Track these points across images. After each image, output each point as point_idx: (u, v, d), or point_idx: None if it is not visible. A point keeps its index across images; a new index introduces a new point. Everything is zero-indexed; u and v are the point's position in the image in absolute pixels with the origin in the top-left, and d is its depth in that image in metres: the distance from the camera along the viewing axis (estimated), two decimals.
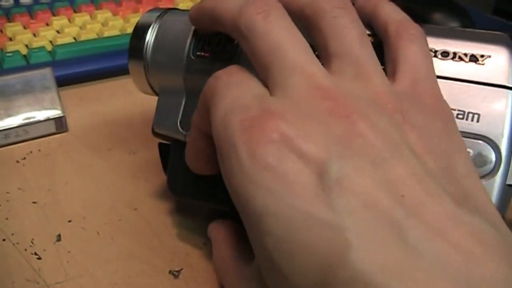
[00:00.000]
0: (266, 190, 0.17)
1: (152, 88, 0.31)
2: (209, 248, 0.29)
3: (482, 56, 0.23)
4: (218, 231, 0.26)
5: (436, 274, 0.15)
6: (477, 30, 0.25)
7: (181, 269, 0.28)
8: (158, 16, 0.30)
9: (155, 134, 0.30)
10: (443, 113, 0.21)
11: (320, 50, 0.22)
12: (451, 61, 0.23)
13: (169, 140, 0.30)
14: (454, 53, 0.23)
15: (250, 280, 0.22)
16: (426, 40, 0.23)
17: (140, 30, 0.30)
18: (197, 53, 0.27)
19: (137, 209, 0.32)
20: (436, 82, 0.22)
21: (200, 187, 0.27)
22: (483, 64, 0.23)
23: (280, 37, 0.20)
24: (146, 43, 0.29)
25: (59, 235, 0.30)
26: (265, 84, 0.20)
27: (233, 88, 0.20)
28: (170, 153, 0.29)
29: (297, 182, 0.17)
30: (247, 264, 0.22)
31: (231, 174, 0.18)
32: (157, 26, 0.29)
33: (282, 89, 0.19)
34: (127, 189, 0.34)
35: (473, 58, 0.23)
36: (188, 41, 0.28)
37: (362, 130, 0.18)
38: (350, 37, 0.21)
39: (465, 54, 0.23)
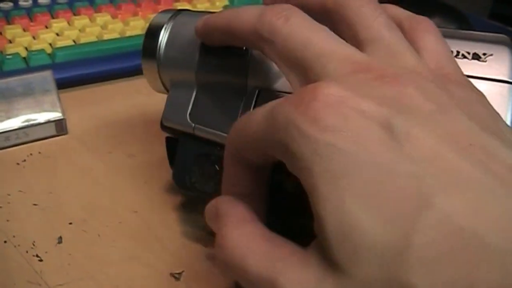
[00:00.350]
0: (341, 150, 0.17)
1: (164, 85, 0.32)
2: (210, 251, 0.29)
3: (484, 54, 0.24)
4: (241, 211, 0.21)
5: None
6: (479, 32, 0.26)
7: (182, 271, 0.28)
8: (171, 17, 0.31)
9: (163, 127, 0.30)
10: (477, 90, 0.22)
11: (349, 40, 0.22)
12: (455, 58, 0.24)
13: (176, 134, 0.30)
14: (458, 52, 0.25)
15: (310, 264, 0.18)
16: (439, 30, 0.23)
17: (153, 30, 0.31)
18: (210, 49, 0.28)
19: (137, 211, 0.32)
20: (458, 65, 0.22)
21: (206, 180, 0.28)
22: (485, 61, 0.24)
23: (307, 32, 0.21)
24: (159, 42, 0.30)
25: (60, 238, 0.30)
26: (302, 83, 0.21)
27: (258, 110, 0.21)
28: (177, 146, 0.30)
29: (368, 138, 0.17)
30: (295, 252, 0.19)
31: (298, 150, 0.18)
32: (171, 25, 0.30)
33: (324, 75, 0.20)
34: (127, 192, 0.34)
35: (476, 56, 0.25)
36: None
37: (411, 93, 0.18)
38: (378, 23, 0.21)
39: (468, 52, 0.25)
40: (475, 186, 0.16)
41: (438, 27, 0.55)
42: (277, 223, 0.22)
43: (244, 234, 0.20)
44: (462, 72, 0.22)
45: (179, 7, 0.55)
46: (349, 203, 0.17)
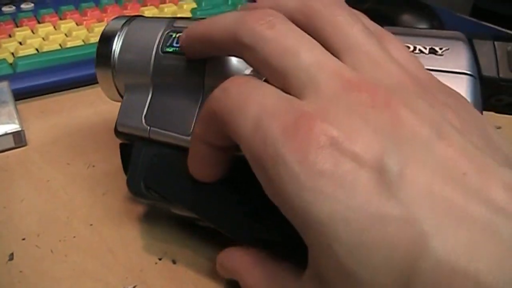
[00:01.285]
0: (329, 197, 0.17)
1: (119, 93, 0.31)
2: (163, 264, 0.28)
3: (441, 48, 0.25)
4: (242, 259, 0.24)
5: None
6: (436, 30, 0.27)
7: (135, 286, 0.27)
8: (125, 23, 0.30)
9: (118, 133, 0.30)
10: (455, 93, 0.21)
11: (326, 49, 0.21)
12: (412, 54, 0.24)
13: (131, 140, 0.29)
14: (415, 47, 0.25)
15: None
16: (402, 43, 0.23)
17: (107, 37, 0.30)
18: (166, 50, 0.27)
19: (93, 224, 0.31)
20: (429, 72, 0.22)
21: (160, 186, 0.27)
22: (442, 55, 0.25)
23: (291, 40, 0.20)
24: (113, 48, 0.30)
25: (12, 254, 0.29)
26: (284, 90, 0.20)
27: (253, 96, 0.20)
28: (131, 152, 0.29)
29: (358, 184, 0.17)
30: (296, 279, 0.21)
31: (281, 186, 0.18)
32: (125, 31, 0.30)
33: (309, 89, 0.19)
34: (84, 204, 0.33)
35: (433, 51, 0.25)
36: (157, 39, 0.28)
37: (404, 117, 0.18)
38: (355, 30, 0.21)
39: (425, 47, 0.25)
40: (469, 221, 0.16)
41: (408, 25, 0.55)
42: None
43: (257, 281, 0.22)
44: (436, 78, 0.22)
45: (146, 12, 0.55)
46: (337, 252, 0.16)
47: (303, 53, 0.19)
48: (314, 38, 0.21)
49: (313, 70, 0.19)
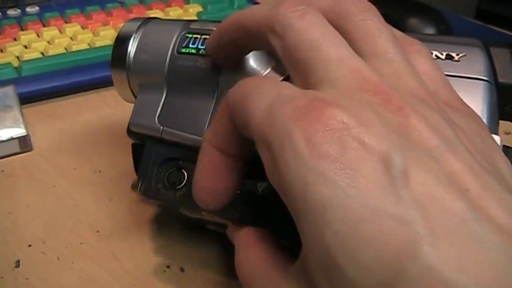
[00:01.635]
0: (329, 180, 0.16)
1: (133, 93, 0.31)
2: (171, 272, 0.28)
3: (457, 54, 0.25)
4: (246, 236, 0.24)
5: (510, 270, 0.15)
6: (452, 37, 0.27)
7: None
8: (141, 25, 0.30)
9: (130, 133, 0.29)
10: (474, 115, 0.21)
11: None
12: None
13: (144, 140, 0.29)
14: (431, 53, 0.25)
15: (291, 285, 0.20)
16: (430, 53, 0.23)
17: (122, 38, 0.30)
18: (182, 51, 0.28)
19: (99, 231, 0.31)
20: (453, 89, 0.22)
21: (172, 187, 0.27)
22: (458, 61, 0.25)
23: (319, 33, 0.20)
24: (128, 50, 0.30)
25: (18, 261, 0.29)
26: (303, 84, 0.20)
27: (270, 87, 0.19)
28: (143, 152, 0.28)
29: (362, 172, 0.16)
30: (285, 269, 0.20)
31: (284, 165, 0.17)
32: (140, 33, 0.30)
33: (328, 82, 0.19)
34: (90, 210, 0.33)
35: (449, 56, 0.25)
36: (173, 40, 0.28)
37: (416, 124, 0.17)
38: (383, 38, 0.21)
39: (441, 53, 0.25)
40: (466, 234, 0.15)
41: (415, 29, 0.54)
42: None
43: (253, 264, 0.22)
44: (459, 96, 0.21)
45: (152, 15, 0.55)
46: (328, 240, 0.16)
47: (327, 48, 0.19)
48: (343, 37, 0.21)
49: (333, 66, 0.19)
